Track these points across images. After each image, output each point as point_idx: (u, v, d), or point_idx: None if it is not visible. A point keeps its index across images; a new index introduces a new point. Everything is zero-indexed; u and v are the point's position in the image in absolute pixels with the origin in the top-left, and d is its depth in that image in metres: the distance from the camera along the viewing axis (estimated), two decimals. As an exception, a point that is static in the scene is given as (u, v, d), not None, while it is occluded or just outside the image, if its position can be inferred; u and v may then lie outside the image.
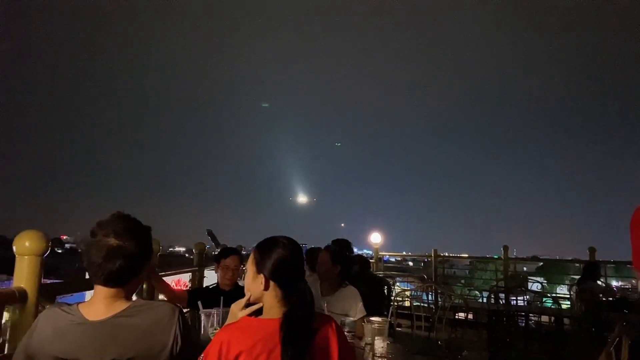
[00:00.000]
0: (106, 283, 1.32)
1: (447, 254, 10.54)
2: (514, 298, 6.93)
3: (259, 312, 1.49)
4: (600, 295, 5.03)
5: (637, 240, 1.36)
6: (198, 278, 4.19)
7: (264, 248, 1.47)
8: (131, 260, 1.34)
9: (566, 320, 5.77)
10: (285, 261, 1.42)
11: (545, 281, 10.81)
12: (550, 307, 6.54)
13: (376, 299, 3.81)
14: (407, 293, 7.24)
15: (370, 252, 9.67)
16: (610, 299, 5.30)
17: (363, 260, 4.56)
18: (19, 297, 1.72)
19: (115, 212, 1.39)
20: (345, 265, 2.94)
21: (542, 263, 22.16)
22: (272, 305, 1.42)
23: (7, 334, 1.70)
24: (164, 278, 2.99)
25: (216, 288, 2.94)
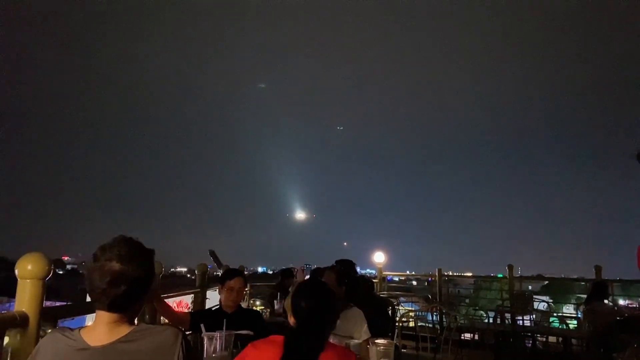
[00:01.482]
0: (110, 309, 1.30)
1: (451, 273, 10.47)
2: (520, 318, 6.84)
3: None
4: (609, 315, 4.94)
5: None
6: (200, 299, 4.15)
7: (292, 294, 1.75)
8: (135, 286, 1.31)
9: (574, 341, 5.68)
10: (301, 306, 1.64)
11: (551, 300, 10.67)
12: (558, 328, 6.44)
13: (380, 321, 3.76)
14: (412, 314, 7.15)
15: (374, 272, 9.59)
16: (619, 318, 5.22)
17: (366, 281, 4.52)
18: (21, 321, 1.70)
19: (118, 235, 1.37)
20: (350, 286, 2.91)
21: (547, 282, 21.93)
22: None
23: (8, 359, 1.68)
24: (167, 299, 2.96)
25: (219, 310, 2.91)
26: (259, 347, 1.56)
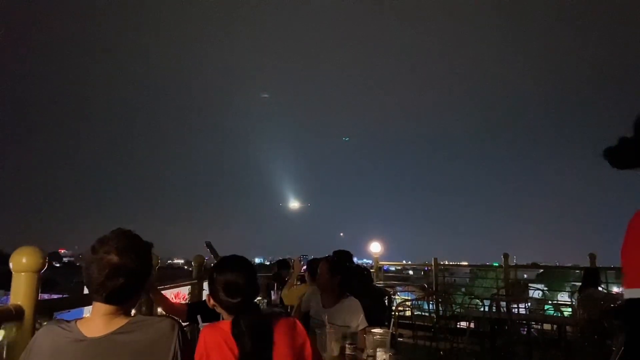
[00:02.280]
0: (107, 301, 1.30)
1: (447, 263, 10.53)
2: (516, 306, 6.89)
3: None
4: (603, 302, 4.99)
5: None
6: (197, 291, 4.15)
7: (210, 270, 1.70)
8: (133, 278, 1.32)
9: (569, 328, 5.73)
10: (217, 286, 1.58)
11: (546, 288, 10.77)
12: (552, 315, 6.50)
13: (377, 310, 3.79)
14: (408, 303, 7.19)
15: (370, 262, 9.64)
16: (613, 305, 5.26)
17: (362, 271, 4.54)
18: (16, 314, 1.69)
19: (116, 228, 1.38)
20: (345, 276, 2.92)
21: (542, 270, 22.13)
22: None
23: (4, 353, 1.67)
24: (164, 291, 2.95)
25: (216, 301, 2.91)
26: (215, 330, 1.52)
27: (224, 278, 1.55)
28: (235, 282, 1.53)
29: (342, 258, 3.23)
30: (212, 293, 1.59)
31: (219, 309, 1.59)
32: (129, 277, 1.30)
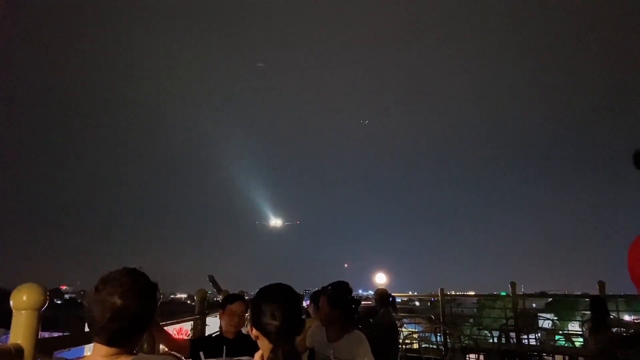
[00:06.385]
0: (109, 343, 1.26)
1: (453, 293, 10.38)
2: (525, 337, 6.74)
3: None
4: (615, 330, 4.87)
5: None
6: (200, 326, 4.08)
7: (254, 298, 1.56)
8: (136, 321, 1.28)
9: (581, 359, 5.59)
10: (262, 311, 1.47)
11: (555, 318, 10.55)
12: (564, 346, 6.34)
13: (384, 344, 3.70)
14: (415, 335, 7.05)
15: (375, 293, 9.50)
16: (624, 334, 5.13)
17: (370, 308, 4.46)
18: (15, 353, 1.66)
19: (122, 268, 1.33)
20: (346, 308, 2.85)
21: (550, 299, 21.76)
22: (266, 353, 1.47)
23: (2, 394, 1.63)
24: (166, 327, 2.91)
25: (219, 337, 2.86)
26: None
27: (269, 302, 1.48)
28: (280, 306, 1.47)
29: (340, 290, 3.15)
30: (254, 320, 1.50)
31: (260, 340, 1.50)
32: (132, 320, 1.26)
